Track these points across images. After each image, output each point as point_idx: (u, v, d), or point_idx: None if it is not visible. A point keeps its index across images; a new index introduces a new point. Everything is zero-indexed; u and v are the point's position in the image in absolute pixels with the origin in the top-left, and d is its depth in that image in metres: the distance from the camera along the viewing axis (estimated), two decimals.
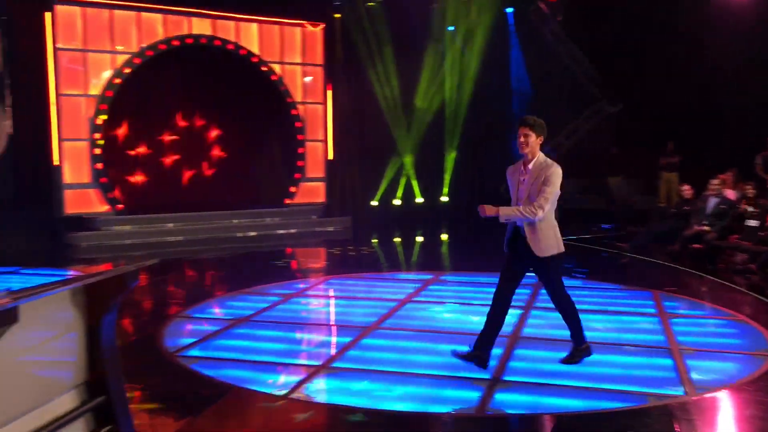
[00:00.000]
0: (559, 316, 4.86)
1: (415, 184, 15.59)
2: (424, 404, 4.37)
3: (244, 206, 13.53)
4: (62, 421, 2.21)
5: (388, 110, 15.03)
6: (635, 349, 5.47)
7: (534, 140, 4.58)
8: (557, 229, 4.66)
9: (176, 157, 13.84)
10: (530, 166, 4.61)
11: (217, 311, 6.97)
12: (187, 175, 14.02)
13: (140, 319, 6.72)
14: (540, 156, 4.63)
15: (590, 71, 15.14)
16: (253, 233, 13.00)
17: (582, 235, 11.82)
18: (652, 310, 6.74)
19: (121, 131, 13.18)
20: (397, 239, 13.30)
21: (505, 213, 4.52)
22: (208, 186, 14.03)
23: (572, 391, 4.53)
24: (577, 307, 4.83)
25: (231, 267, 9.82)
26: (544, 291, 5.03)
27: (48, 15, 11.69)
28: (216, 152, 14.23)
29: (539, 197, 4.51)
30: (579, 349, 4.87)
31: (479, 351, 4.78)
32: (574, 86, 15.18)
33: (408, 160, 15.40)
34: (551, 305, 4.88)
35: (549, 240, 4.60)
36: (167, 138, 13.75)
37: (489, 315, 4.79)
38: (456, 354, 4.85)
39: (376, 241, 12.81)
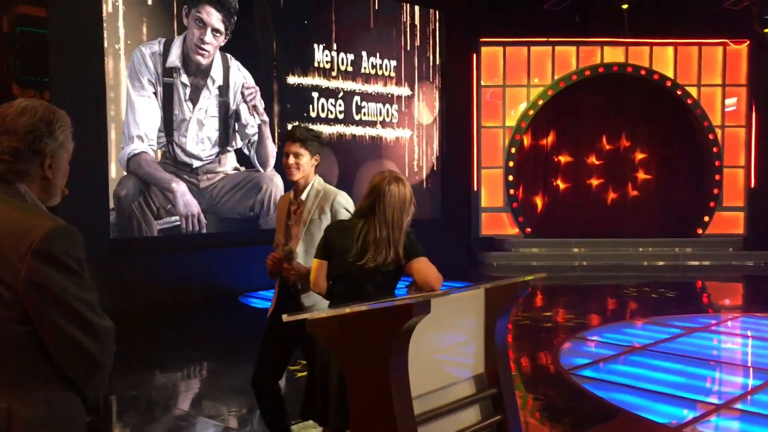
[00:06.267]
0: None
1: None
2: None
3: (652, 234, 13.15)
4: (462, 403, 2.62)
5: None
6: None
7: (308, 161, 3.32)
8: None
9: (594, 181, 13.93)
10: (303, 196, 3.38)
11: (614, 336, 6.99)
12: (595, 202, 14.07)
13: (540, 336, 7.11)
14: (316, 181, 3.40)
15: None
16: (660, 263, 12.55)
17: None
18: None
19: (534, 158, 13.87)
20: None
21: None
22: (613, 213, 13.94)
23: None
24: None
25: (633, 295, 9.67)
26: None
27: (475, 56, 13.13)
28: (627, 181, 14.01)
29: None
30: None
31: None
32: None
33: None
34: None
35: None
36: (587, 162, 13.94)
37: None
38: None
39: None
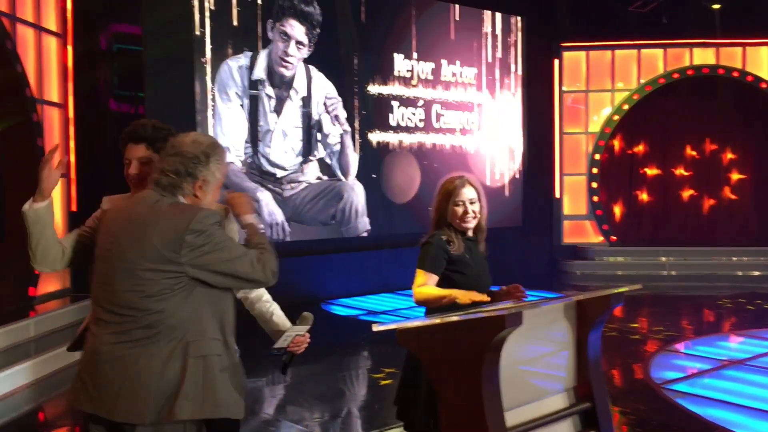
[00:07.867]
0: None
1: None
2: None
3: (747, 244, 12.55)
4: (554, 417, 2.57)
5: None
6: None
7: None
8: None
9: (685, 193, 13.41)
10: None
11: (708, 350, 6.70)
12: (686, 209, 13.49)
13: (629, 348, 6.89)
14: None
15: None
16: (756, 273, 11.96)
17: None
18: None
19: (618, 164, 13.42)
20: None
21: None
22: (705, 221, 13.36)
23: None
24: None
25: (727, 306, 9.25)
26: None
27: (556, 61, 12.91)
28: (721, 185, 13.39)
29: None
30: None
31: None
32: None
33: None
34: None
35: None
36: (675, 171, 13.43)
37: None
38: None
39: None
